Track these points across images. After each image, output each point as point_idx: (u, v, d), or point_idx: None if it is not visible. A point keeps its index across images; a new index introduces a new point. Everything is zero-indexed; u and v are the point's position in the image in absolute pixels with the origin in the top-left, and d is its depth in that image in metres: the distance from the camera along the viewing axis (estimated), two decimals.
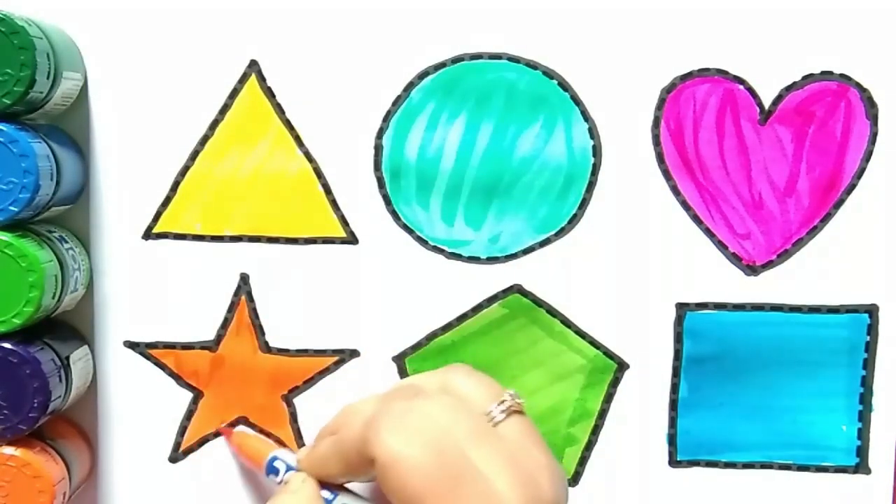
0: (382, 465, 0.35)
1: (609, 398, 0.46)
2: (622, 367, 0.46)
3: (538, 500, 0.35)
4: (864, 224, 0.45)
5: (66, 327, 0.45)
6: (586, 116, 0.44)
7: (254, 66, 0.45)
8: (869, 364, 0.45)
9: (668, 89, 0.44)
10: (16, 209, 0.40)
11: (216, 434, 0.46)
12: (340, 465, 0.38)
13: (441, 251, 0.45)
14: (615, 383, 0.46)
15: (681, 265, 0.45)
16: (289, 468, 0.41)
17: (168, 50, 0.44)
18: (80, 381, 0.44)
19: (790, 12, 0.44)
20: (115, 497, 0.46)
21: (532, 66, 0.44)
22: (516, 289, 0.45)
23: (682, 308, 0.45)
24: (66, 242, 0.43)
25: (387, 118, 0.45)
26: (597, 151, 0.45)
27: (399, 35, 0.44)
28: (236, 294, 0.45)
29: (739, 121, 0.44)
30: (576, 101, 0.44)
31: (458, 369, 0.40)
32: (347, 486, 0.40)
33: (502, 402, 0.38)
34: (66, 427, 0.45)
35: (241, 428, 0.46)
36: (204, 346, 0.46)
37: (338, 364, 0.46)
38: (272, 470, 0.42)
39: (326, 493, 0.39)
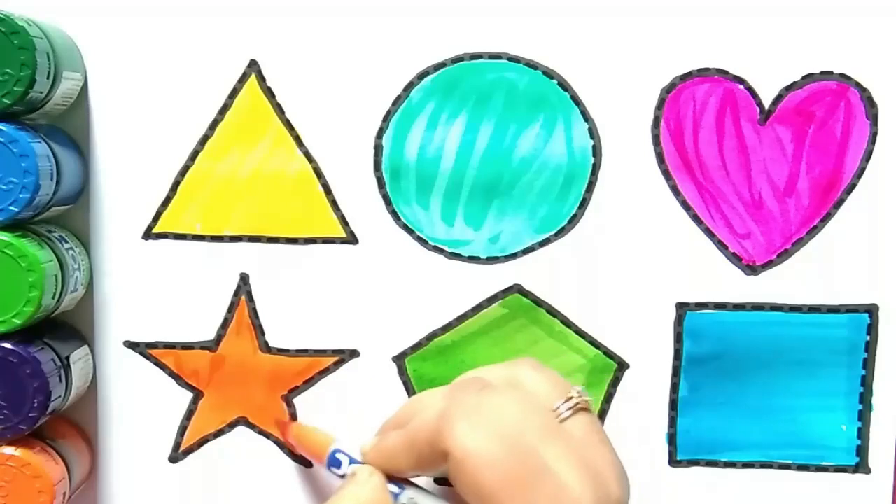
0: (456, 460, 0.34)
1: (609, 398, 0.46)
2: (622, 366, 0.46)
3: (607, 498, 0.34)
4: (864, 224, 0.45)
5: (66, 327, 0.45)
6: (586, 116, 0.44)
7: (254, 66, 0.45)
8: (869, 364, 0.45)
9: (668, 89, 0.44)
10: (16, 209, 0.40)
11: (216, 434, 0.46)
12: (410, 459, 0.37)
13: (441, 251, 0.45)
14: (615, 383, 0.46)
15: (681, 265, 0.45)
16: (352, 461, 0.40)
17: (168, 50, 0.44)
18: (80, 381, 0.44)
19: (790, 12, 0.44)
20: (115, 497, 0.46)
21: (532, 66, 0.44)
22: (516, 289, 0.45)
23: (682, 308, 0.45)
24: (66, 242, 0.43)
25: (387, 118, 0.45)
26: (597, 151, 0.45)
27: (399, 35, 0.44)
28: (236, 294, 0.45)
29: (739, 121, 0.44)
30: (576, 101, 0.44)
31: (525, 363, 0.39)
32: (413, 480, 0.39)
33: (569, 398, 0.37)
34: (66, 427, 0.45)
35: (298, 422, 0.46)
36: (204, 346, 0.46)
37: (338, 364, 0.46)
38: (334, 462, 0.41)
39: (393, 487, 0.38)
